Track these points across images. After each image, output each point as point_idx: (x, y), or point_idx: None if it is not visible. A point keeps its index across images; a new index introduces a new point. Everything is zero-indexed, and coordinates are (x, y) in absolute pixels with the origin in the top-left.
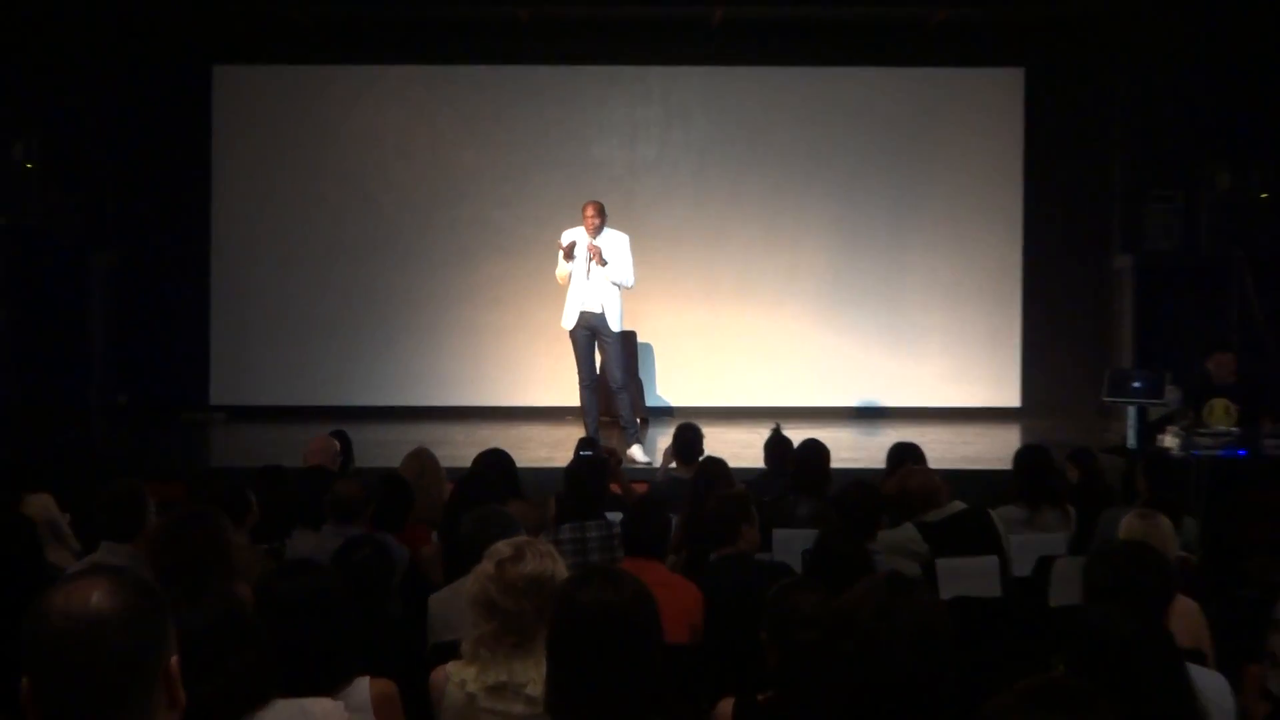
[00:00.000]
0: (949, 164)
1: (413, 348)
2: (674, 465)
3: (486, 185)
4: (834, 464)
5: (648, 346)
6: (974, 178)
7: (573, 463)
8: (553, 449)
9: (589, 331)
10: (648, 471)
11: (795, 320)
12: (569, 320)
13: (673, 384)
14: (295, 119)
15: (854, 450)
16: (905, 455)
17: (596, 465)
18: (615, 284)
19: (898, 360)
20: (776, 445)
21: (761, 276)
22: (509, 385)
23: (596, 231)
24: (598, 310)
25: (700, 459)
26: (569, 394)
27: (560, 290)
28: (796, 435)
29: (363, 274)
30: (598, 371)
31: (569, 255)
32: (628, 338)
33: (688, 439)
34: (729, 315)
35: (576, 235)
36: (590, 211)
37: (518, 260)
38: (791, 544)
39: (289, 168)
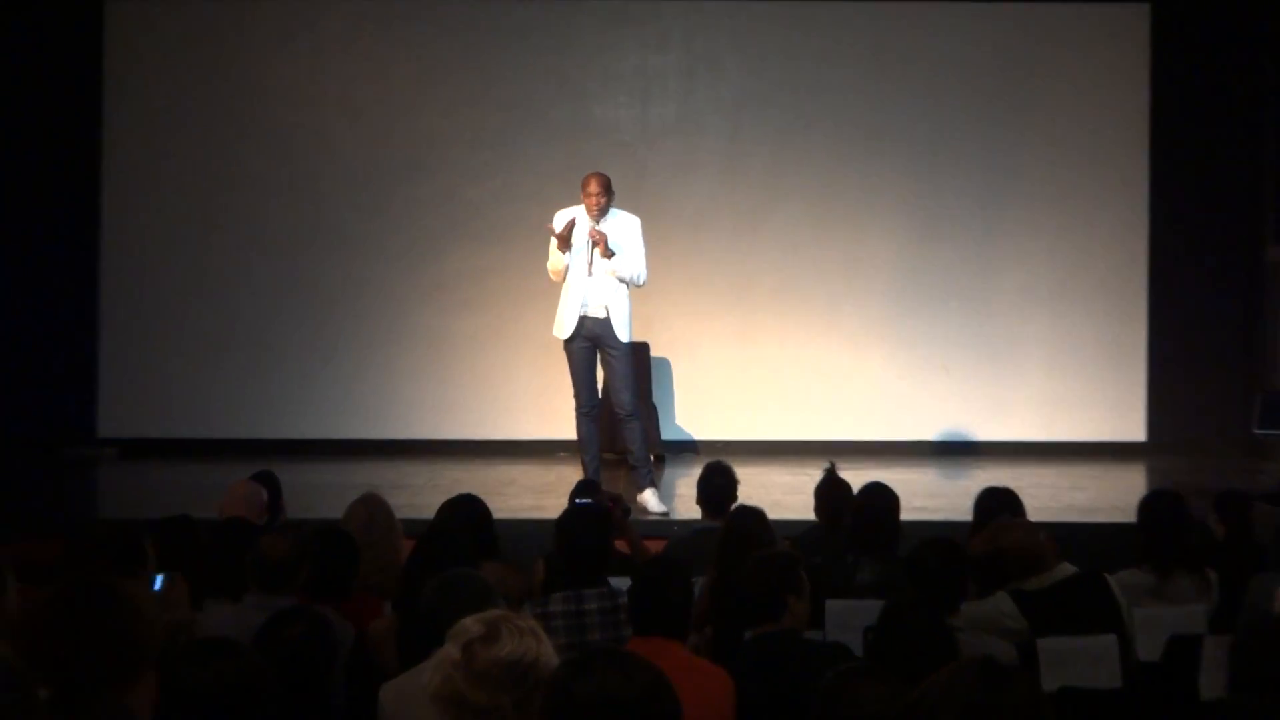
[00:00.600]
0: (1054, 129)
1: (360, 365)
2: (699, 516)
3: (457, 154)
4: (905, 515)
5: (663, 362)
6: (1086, 146)
7: (566, 513)
8: (540, 495)
9: (589, 343)
10: (664, 524)
11: (855, 329)
12: (564, 328)
13: (696, 411)
14: (208, 70)
15: (931, 498)
16: (998, 504)
17: (597, 517)
18: (623, 281)
19: (988, 382)
20: (831, 491)
21: (811, 273)
22: (484, 413)
23: (600, 213)
24: (601, 315)
25: (732, 508)
26: (563, 424)
27: (553, 289)
28: (856, 478)
29: (294, 270)
30: (600, 395)
31: (565, 243)
32: (639, 351)
33: (716, 483)
34: (768, 322)
35: (574, 217)
36: (593, 187)
37: (497, 250)
38: (850, 618)
39: (200, 134)
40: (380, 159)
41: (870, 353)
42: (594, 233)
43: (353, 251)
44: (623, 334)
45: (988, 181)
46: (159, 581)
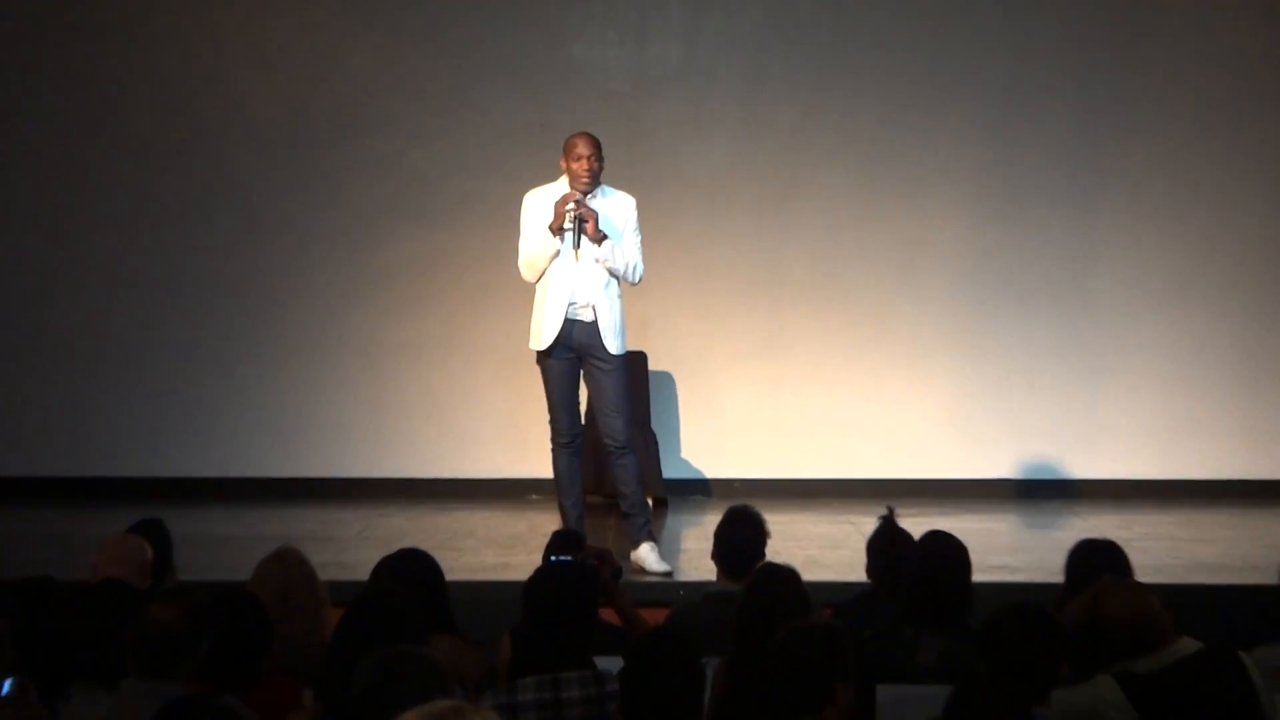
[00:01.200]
0: (1173, 72)
1: (272, 384)
2: (713, 577)
3: (397, 109)
4: (978, 575)
5: (665, 377)
6: (1215, 97)
7: (539, 574)
8: (507, 550)
9: (573, 355)
10: (666, 588)
11: (913, 335)
12: (544, 336)
13: (708, 441)
14: (79, 5)
15: (1012, 553)
16: (1099, 562)
17: (579, 579)
18: (614, 275)
19: (1085, 403)
20: (886, 545)
21: (856, 262)
22: (434, 444)
23: (591, 184)
24: (587, 318)
25: (757, 568)
26: (536, 458)
27: (523, 289)
28: (917, 527)
29: (184, 264)
30: (583, 421)
31: (559, 222)
32: (634, 364)
33: (739, 535)
34: (800, 326)
35: (553, 194)
36: (583, 147)
37: (449, 234)
38: (910, 707)
39: (53, 80)
40: (298, 117)
41: (933, 365)
42: (580, 207)
43: (261, 237)
44: (613, 343)
45: (1084, 144)
46: (7, 686)
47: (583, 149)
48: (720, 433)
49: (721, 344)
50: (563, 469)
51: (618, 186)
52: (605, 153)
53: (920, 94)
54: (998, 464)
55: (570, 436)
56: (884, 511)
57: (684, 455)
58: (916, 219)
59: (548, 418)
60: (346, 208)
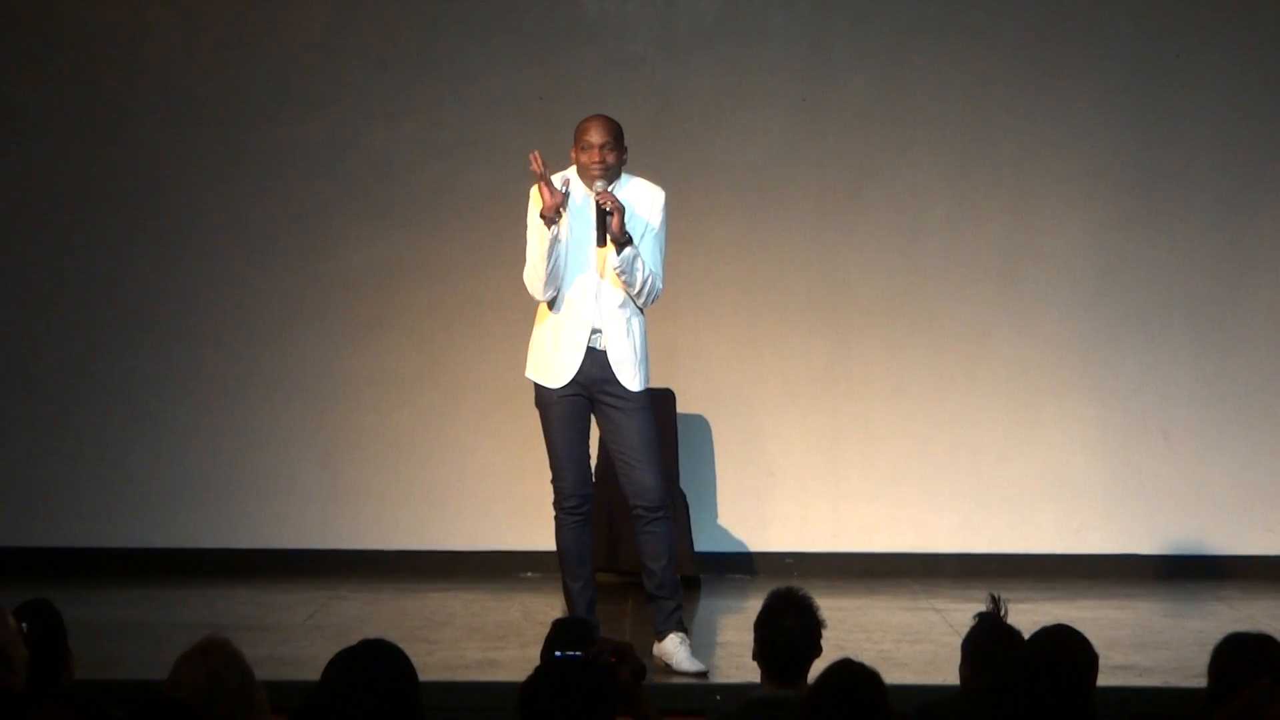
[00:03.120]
0: None
1: (195, 429)
2: (757, 679)
3: (359, 83)
4: (1103, 678)
5: (697, 422)
6: None
7: (538, 675)
8: (495, 643)
9: (581, 392)
10: (700, 692)
11: (1015, 370)
12: (556, 370)
13: (752, 504)
14: None
15: (1143, 649)
16: (1252, 661)
17: (590, 681)
18: (629, 290)
19: (1236, 458)
20: (988, 641)
21: (946, 277)
22: (403, 506)
23: (608, 179)
24: (598, 345)
25: (830, 666)
26: (532, 525)
27: (520, 306)
28: (1023, 618)
29: (87, 270)
30: (594, 476)
31: (551, 208)
32: (660, 406)
33: (785, 628)
34: (872, 357)
35: (568, 178)
36: (595, 134)
37: (423, 237)
38: None
39: None
40: (226, 90)
41: (1041, 410)
42: (603, 196)
43: (179, 241)
44: (631, 377)
45: (1244, 129)
46: None
47: (594, 136)
48: (768, 494)
49: (770, 381)
50: (570, 543)
51: (638, 174)
52: (627, 135)
53: (1031, 64)
54: (1124, 536)
55: (579, 500)
56: (992, 601)
57: (721, 522)
58: (1020, 222)
59: (550, 475)
60: (290, 204)
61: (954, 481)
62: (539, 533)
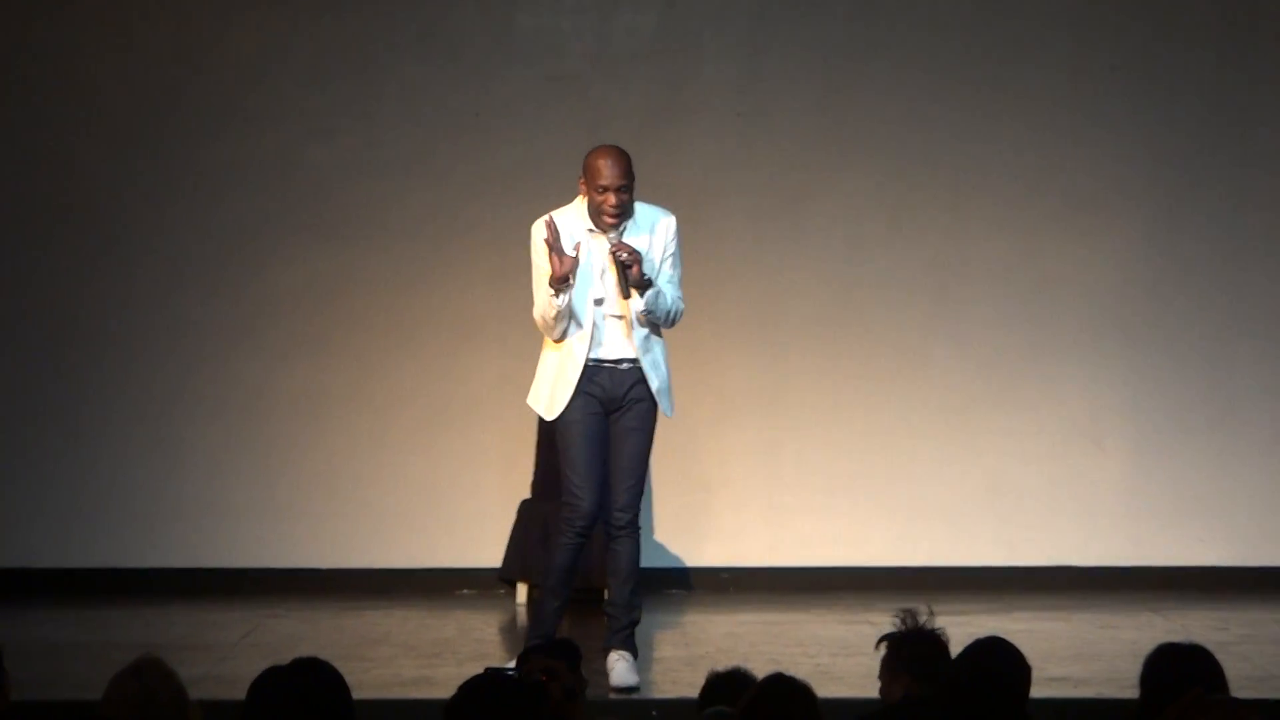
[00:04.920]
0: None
1: (128, 447)
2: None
3: (295, 100)
4: (1035, 689)
5: None
6: None
7: (463, 692)
8: (429, 661)
9: (599, 410)
10: (635, 708)
11: (951, 381)
12: (559, 398)
13: (689, 519)
14: None
15: (1076, 661)
16: (1185, 672)
17: (515, 699)
18: (656, 322)
19: (1171, 469)
20: (915, 653)
21: (882, 290)
22: (338, 525)
23: (619, 222)
24: (626, 366)
25: (761, 680)
26: (466, 543)
27: (456, 323)
28: (957, 630)
29: (18, 286)
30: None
31: (560, 279)
32: None
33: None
34: (809, 370)
35: (565, 224)
36: (609, 174)
37: (358, 254)
38: None
39: None
40: (163, 108)
41: (974, 422)
42: (619, 248)
43: (113, 258)
44: (665, 402)
45: (1172, 138)
46: None
47: (608, 176)
48: (704, 509)
49: (706, 395)
50: (566, 563)
51: (564, 193)
52: (558, 145)
53: (965, 79)
54: (1059, 547)
55: (589, 520)
56: (903, 614)
57: (657, 538)
58: (957, 235)
59: (484, 492)
60: (225, 221)
61: (890, 495)
62: (474, 550)
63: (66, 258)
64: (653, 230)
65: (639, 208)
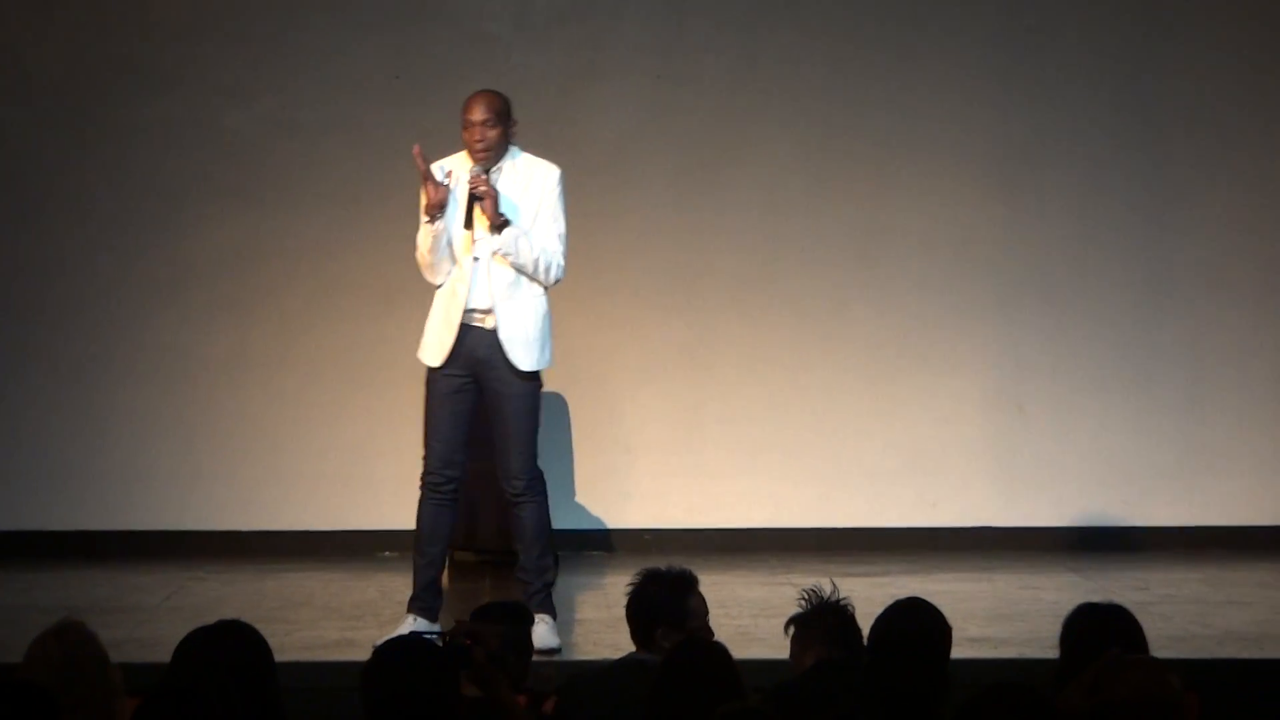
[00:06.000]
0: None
1: (48, 410)
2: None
3: (212, 61)
4: (960, 650)
5: (556, 401)
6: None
7: (379, 654)
8: (352, 623)
9: (466, 374)
10: (560, 669)
11: (871, 345)
12: (433, 346)
13: (611, 481)
14: None
15: (995, 621)
16: (1102, 632)
17: (432, 662)
18: (520, 270)
19: (1090, 430)
20: (823, 624)
21: (804, 253)
22: (260, 487)
23: (491, 156)
24: (488, 324)
25: (676, 642)
26: (390, 505)
27: (377, 286)
28: (876, 590)
29: None
30: (463, 458)
31: (436, 204)
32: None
33: (655, 600)
34: (730, 334)
35: (455, 167)
36: (477, 112)
37: (279, 218)
38: None
39: None
40: (76, 67)
41: (896, 384)
42: (476, 181)
43: (29, 221)
44: (522, 357)
45: (1096, 100)
46: None
47: (473, 113)
48: (625, 470)
49: (627, 357)
50: (425, 518)
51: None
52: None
53: (889, 41)
54: (980, 509)
55: (443, 478)
56: (810, 590)
57: (579, 499)
58: (878, 199)
59: (422, 453)
60: (142, 184)
61: (812, 456)
62: (397, 512)
63: None
64: (530, 179)
65: (523, 158)
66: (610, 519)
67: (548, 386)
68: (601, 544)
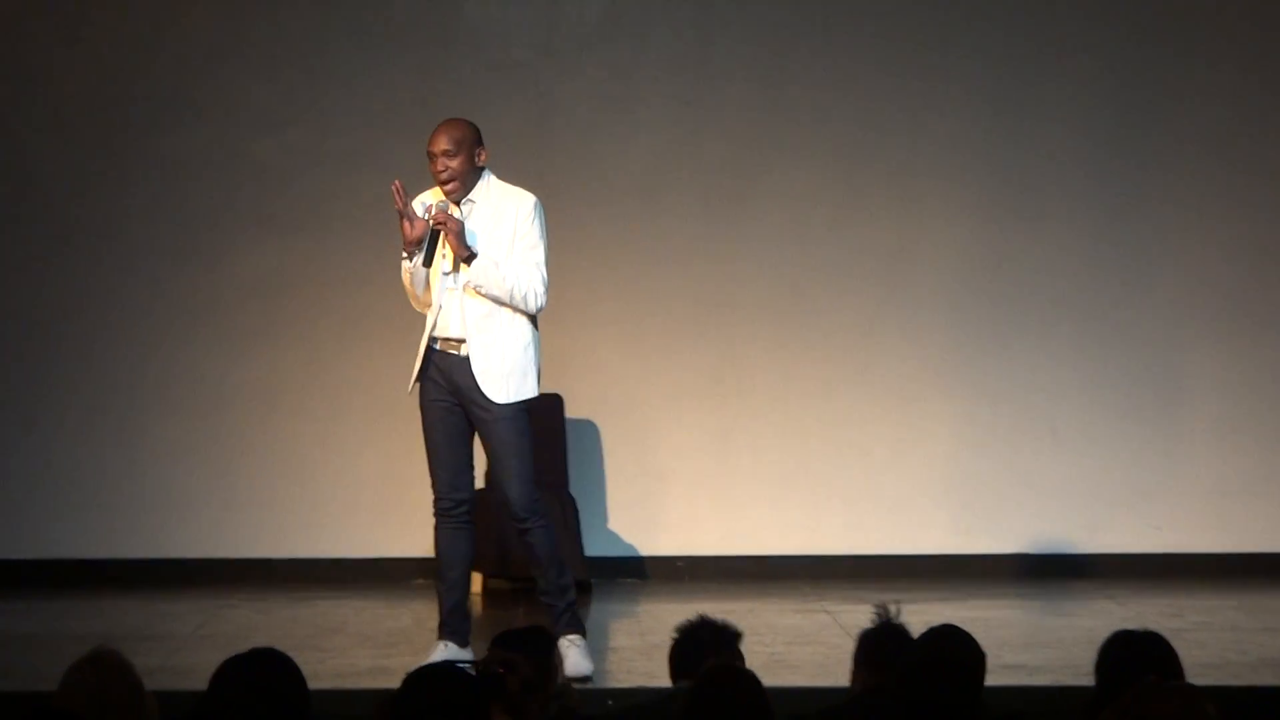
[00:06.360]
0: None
1: (82, 438)
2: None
3: (242, 91)
4: (994, 678)
5: (587, 428)
6: None
7: (404, 685)
8: (385, 651)
9: (451, 398)
10: (594, 697)
11: (904, 370)
12: (413, 372)
13: (643, 508)
14: None
15: (1030, 649)
16: (1140, 658)
17: (457, 689)
18: (496, 300)
19: (1125, 455)
20: (878, 644)
21: (833, 276)
22: (292, 514)
23: (457, 188)
24: (462, 352)
25: (704, 669)
26: (421, 532)
27: (406, 315)
28: (917, 619)
29: None
30: (470, 484)
31: (410, 243)
32: (549, 411)
33: (696, 636)
34: (761, 359)
35: (436, 201)
36: (434, 141)
37: (309, 245)
38: None
39: None
40: (111, 101)
41: (927, 409)
42: (439, 215)
43: (63, 251)
44: (493, 387)
45: (1119, 126)
46: None
47: (434, 144)
48: (657, 498)
49: (658, 385)
50: (441, 544)
51: (513, 182)
52: (499, 139)
53: (914, 64)
54: (1011, 535)
55: (451, 503)
56: (882, 608)
57: (611, 526)
58: (907, 223)
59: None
60: (172, 213)
61: (843, 483)
62: (429, 539)
63: (19, 252)
64: (502, 209)
65: (498, 187)
66: (643, 546)
67: (578, 414)
68: (634, 571)
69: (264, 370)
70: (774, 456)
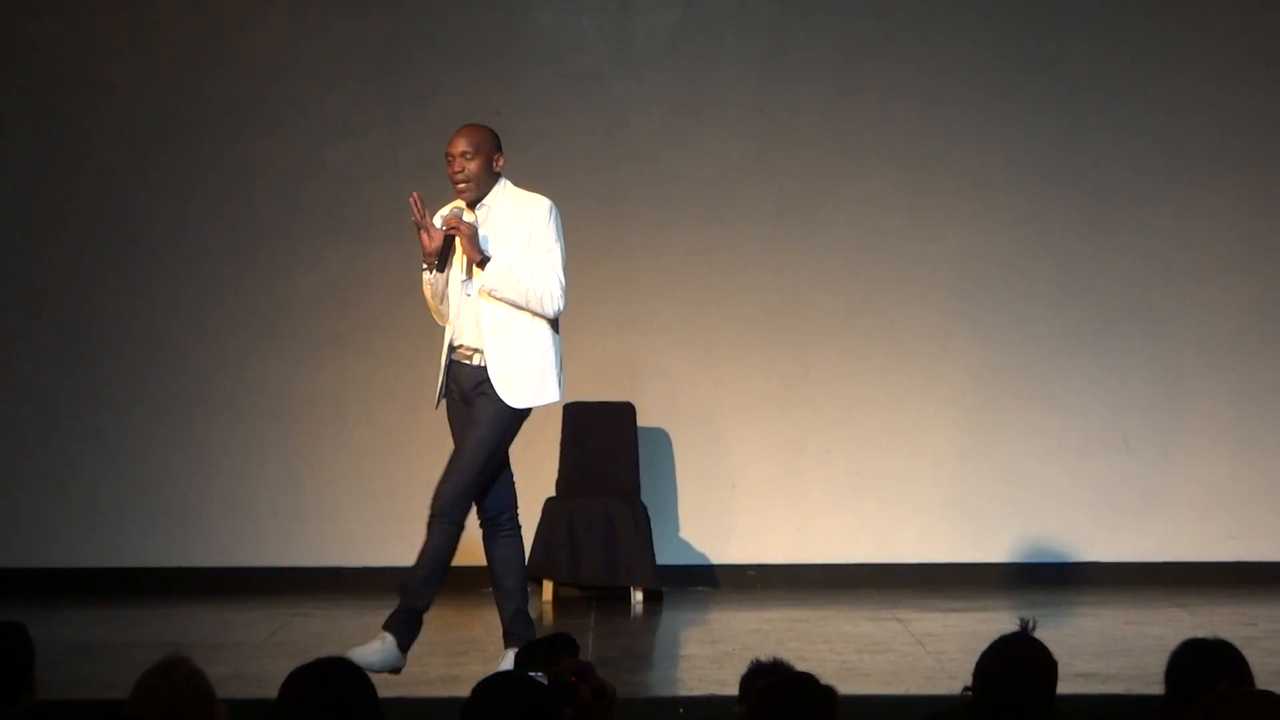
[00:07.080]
0: None
1: (154, 447)
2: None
3: (315, 100)
4: (1066, 686)
5: (657, 435)
6: None
7: (479, 692)
8: (456, 659)
9: (463, 402)
10: (666, 705)
11: (975, 378)
12: (436, 390)
13: (714, 517)
14: None
15: (1102, 657)
16: (1211, 667)
17: (529, 697)
18: (513, 304)
19: (1193, 458)
20: (1012, 659)
21: (906, 285)
22: (363, 522)
23: (474, 192)
24: (475, 361)
25: (766, 682)
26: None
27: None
28: (979, 624)
29: (41, 290)
30: (511, 488)
31: (430, 255)
32: (620, 419)
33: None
34: (833, 367)
35: (445, 222)
36: (453, 144)
37: (381, 253)
38: None
39: None
40: (183, 109)
41: (999, 417)
42: (451, 220)
43: (137, 260)
44: (515, 394)
45: (1188, 130)
46: None
47: (453, 146)
48: (729, 506)
49: (729, 393)
50: (491, 554)
51: (585, 190)
52: (571, 147)
53: (985, 74)
54: (1085, 544)
55: (494, 511)
56: (1025, 620)
57: (683, 535)
58: (978, 232)
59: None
60: (245, 221)
61: (914, 491)
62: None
63: (87, 259)
64: (516, 213)
65: (513, 193)
66: (714, 555)
67: (651, 422)
68: (706, 579)
69: (333, 379)
70: (844, 465)
